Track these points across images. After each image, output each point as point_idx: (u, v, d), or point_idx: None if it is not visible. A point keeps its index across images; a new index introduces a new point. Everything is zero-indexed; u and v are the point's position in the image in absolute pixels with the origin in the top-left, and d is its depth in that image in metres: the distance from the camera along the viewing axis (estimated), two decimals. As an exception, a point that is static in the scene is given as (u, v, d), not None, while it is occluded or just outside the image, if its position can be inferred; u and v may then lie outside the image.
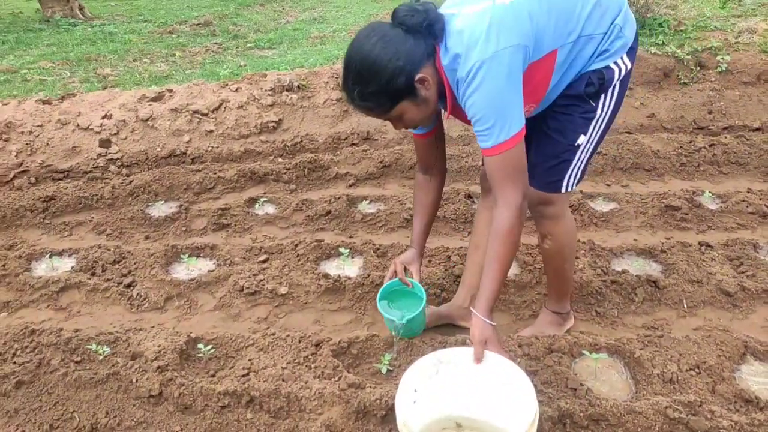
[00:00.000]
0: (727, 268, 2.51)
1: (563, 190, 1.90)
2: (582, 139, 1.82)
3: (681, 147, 3.59)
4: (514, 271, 2.55)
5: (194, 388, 1.87)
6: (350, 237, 2.95)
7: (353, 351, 2.06)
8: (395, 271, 2.02)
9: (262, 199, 3.27)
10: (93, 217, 3.17)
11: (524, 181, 1.66)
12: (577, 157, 1.85)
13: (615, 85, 1.77)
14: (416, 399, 1.60)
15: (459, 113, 1.73)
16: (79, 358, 2.02)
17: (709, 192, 3.13)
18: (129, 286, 2.57)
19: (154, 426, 1.84)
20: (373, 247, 2.71)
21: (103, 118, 3.82)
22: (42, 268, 2.72)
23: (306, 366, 1.97)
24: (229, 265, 2.68)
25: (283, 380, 1.89)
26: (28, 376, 1.95)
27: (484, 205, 2.21)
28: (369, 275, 2.49)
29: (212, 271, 2.65)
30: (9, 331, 2.13)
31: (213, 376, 1.98)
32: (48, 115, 3.82)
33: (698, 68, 4.16)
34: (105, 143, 3.73)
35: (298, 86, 4.16)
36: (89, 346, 2.05)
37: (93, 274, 2.65)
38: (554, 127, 1.83)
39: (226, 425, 1.82)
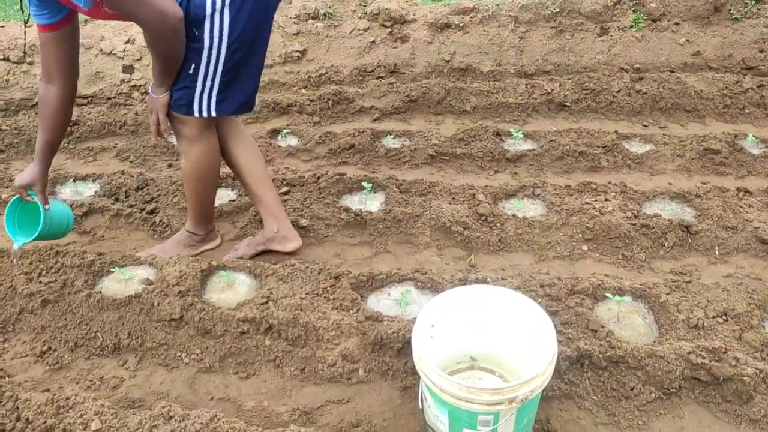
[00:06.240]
0: (766, 215, 2.39)
1: (196, 114, 1.96)
2: (195, 68, 1.87)
3: (726, 88, 3.38)
4: (539, 211, 2.48)
5: (214, 314, 1.89)
6: (373, 171, 2.89)
7: (372, 285, 2.05)
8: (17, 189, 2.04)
9: (284, 131, 3.22)
10: (116, 144, 3.17)
11: None
12: (199, 85, 1.90)
13: (222, 11, 1.77)
14: (433, 334, 1.58)
15: None
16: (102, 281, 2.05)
17: (753, 136, 2.97)
18: (152, 212, 2.58)
19: (175, 347, 1.88)
20: (396, 182, 2.66)
21: (126, 43, 3.75)
22: (66, 192, 2.74)
23: (324, 297, 1.97)
24: (251, 195, 2.66)
25: (301, 310, 1.89)
26: (53, 295, 1.99)
27: (224, 140, 2.17)
28: (391, 210, 2.44)
29: (233, 200, 2.64)
30: (35, 252, 2.17)
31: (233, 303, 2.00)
32: (71, 38, 3.76)
33: (753, 2, 3.86)
34: (128, 69, 3.68)
35: (325, 14, 4.01)
36: (112, 270, 2.08)
37: (116, 200, 2.66)
38: None
39: (245, 350, 1.85)
